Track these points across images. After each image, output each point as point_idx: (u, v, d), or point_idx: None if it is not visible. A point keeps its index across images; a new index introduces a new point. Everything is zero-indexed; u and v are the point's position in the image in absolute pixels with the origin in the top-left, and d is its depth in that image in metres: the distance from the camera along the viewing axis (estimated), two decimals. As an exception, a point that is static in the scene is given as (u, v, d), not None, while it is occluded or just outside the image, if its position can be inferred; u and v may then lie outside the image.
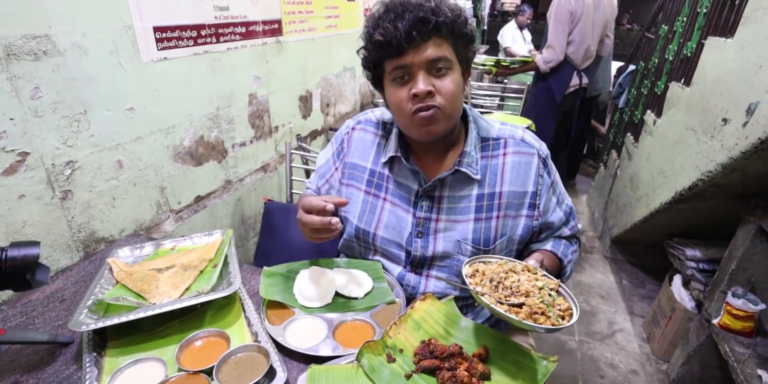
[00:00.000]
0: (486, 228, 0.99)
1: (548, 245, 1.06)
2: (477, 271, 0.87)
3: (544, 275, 0.84)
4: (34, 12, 1.03)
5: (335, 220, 0.90)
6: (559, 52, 2.98)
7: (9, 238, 1.07)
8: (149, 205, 1.45)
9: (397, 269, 1.08)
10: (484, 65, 3.28)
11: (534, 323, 0.74)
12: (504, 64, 3.26)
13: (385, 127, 1.09)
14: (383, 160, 1.05)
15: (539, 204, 1.01)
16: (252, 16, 1.73)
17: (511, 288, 0.80)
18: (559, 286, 0.82)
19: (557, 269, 1.04)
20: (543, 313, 0.75)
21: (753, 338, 1.52)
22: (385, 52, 0.89)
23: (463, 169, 0.97)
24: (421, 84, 0.87)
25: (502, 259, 0.90)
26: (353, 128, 1.13)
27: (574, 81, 3.15)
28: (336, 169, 1.13)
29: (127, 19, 1.24)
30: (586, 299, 2.51)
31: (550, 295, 0.79)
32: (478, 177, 0.98)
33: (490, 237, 1.00)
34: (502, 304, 0.79)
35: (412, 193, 1.03)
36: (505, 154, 1.00)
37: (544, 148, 1.03)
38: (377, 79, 0.98)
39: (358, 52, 0.99)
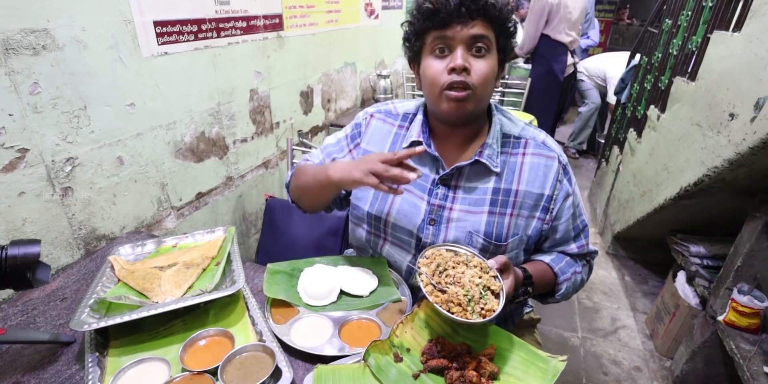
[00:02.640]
0: (499, 223, 0.98)
1: (548, 258, 1.04)
2: (434, 254, 0.89)
3: (495, 277, 0.84)
4: (32, 6, 1.01)
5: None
6: (531, 39, 3.60)
7: (9, 236, 1.06)
8: (150, 201, 1.44)
9: (407, 257, 1.06)
10: None
11: (444, 310, 0.77)
12: None
13: (406, 118, 1.08)
14: (404, 145, 1.04)
15: (553, 209, 0.99)
16: (253, 11, 1.71)
17: (453, 277, 0.82)
18: (501, 290, 0.81)
19: (550, 284, 1.01)
20: (460, 305, 0.77)
21: (759, 335, 1.51)
22: (431, 22, 0.89)
23: (484, 160, 0.96)
24: (460, 58, 0.88)
25: (469, 252, 0.90)
26: (372, 116, 1.11)
27: (570, 60, 3.79)
28: (349, 151, 1.11)
29: (126, 13, 1.23)
30: (589, 296, 2.50)
31: (481, 293, 0.79)
32: (497, 170, 0.97)
33: (503, 233, 0.98)
34: (434, 286, 0.81)
35: (428, 180, 1.02)
36: (524, 154, 0.99)
37: (563, 155, 1.02)
38: (416, 53, 0.98)
39: (402, 24, 0.99)
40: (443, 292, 0.80)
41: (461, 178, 1.00)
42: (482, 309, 0.78)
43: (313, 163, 1.15)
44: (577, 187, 1.04)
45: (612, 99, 3.84)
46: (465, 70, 0.88)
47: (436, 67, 0.91)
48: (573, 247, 1.05)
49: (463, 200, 0.99)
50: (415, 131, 1.02)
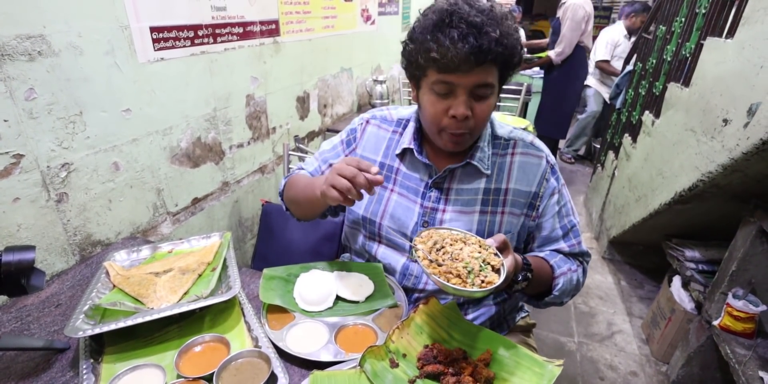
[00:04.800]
0: (491, 221, 1.00)
1: (542, 254, 1.04)
2: (430, 233, 0.87)
3: (495, 254, 0.81)
4: (28, 12, 1.02)
5: (375, 169, 0.84)
6: (570, 46, 3.63)
7: (3, 242, 1.05)
8: (146, 207, 1.44)
9: (401, 260, 1.07)
10: None
11: (445, 281, 0.74)
12: (523, 60, 3.88)
13: (399, 123, 1.10)
14: (397, 152, 1.05)
15: (539, 206, 1.01)
16: (249, 17, 1.71)
17: (451, 254, 0.80)
18: (502, 265, 0.79)
19: (547, 278, 0.99)
20: (459, 276, 0.75)
21: (754, 340, 1.52)
22: (435, 66, 0.85)
23: (474, 162, 0.99)
24: (462, 107, 0.86)
25: (467, 233, 0.87)
26: (368, 122, 1.12)
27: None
28: (345, 156, 1.12)
29: (123, 19, 1.23)
30: (585, 300, 2.50)
31: (481, 266, 0.77)
32: (488, 171, 1.00)
33: (494, 231, 1.00)
34: (431, 261, 0.79)
35: (421, 184, 1.04)
36: (513, 154, 1.02)
37: (551, 156, 1.05)
38: (415, 78, 0.95)
39: (402, 42, 0.94)
40: (441, 266, 0.78)
41: (453, 180, 1.02)
42: (482, 282, 0.75)
43: (307, 171, 1.16)
44: (565, 189, 1.05)
45: (596, 56, 4.09)
46: (466, 117, 0.88)
47: (436, 107, 0.89)
48: (564, 246, 1.04)
49: (455, 202, 1.01)
50: (407, 138, 1.04)
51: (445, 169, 1.00)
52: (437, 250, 0.82)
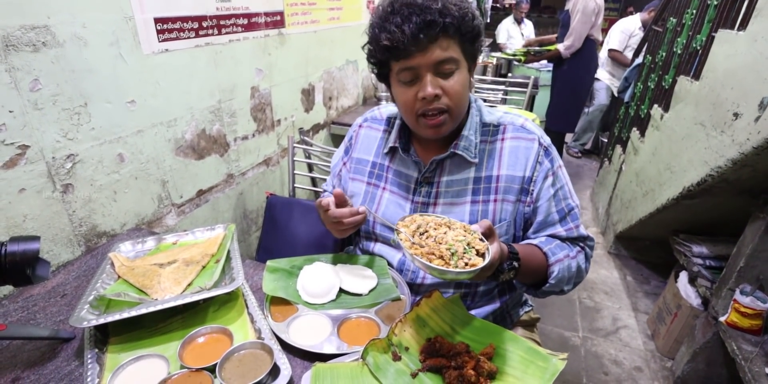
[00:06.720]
0: (483, 211, 0.98)
1: (535, 241, 0.99)
2: (414, 218, 0.86)
3: (481, 239, 0.79)
4: (32, 2, 1.01)
5: (361, 208, 0.98)
6: (579, 39, 3.59)
7: (9, 232, 1.06)
8: (151, 199, 1.44)
9: (397, 255, 1.08)
10: (515, 55, 4.36)
11: (427, 261, 0.73)
12: (531, 53, 4.22)
13: (388, 122, 1.12)
14: (384, 151, 1.07)
15: (533, 190, 0.98)
16: (254, 8, 1.70)
17: (435, 237, 0.79)
18: (487, 249, 0.77)
19: (540, 265, 0.94)
20: (442, 258, 0.75)
21: (761, 336, 1.51)
22: (392, 55, 0.88)
23: (459, 152, 0.97)
24: (429, 87, 0.87)
25: (452, 219, 0.85)
26: (360, 126, 1.17)
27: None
28: (344, 163, 1.17)
29: (127, 9, 1.22)
30: (590, 295, 2.49)
31: (465, 248, 0.76)
32: (475, 160, 0.98)
33: (488, 219, 0.94)
34: (414, 244, 0.78)
35: (412, 180, 1.04)
36: (503, 139, 1.00)
37: (546, 137, 1.01)
38: (383, 76, 0.98)
39: (363, 47, 0.97)
40: (424, 247, 0.77)
41: (443, 173, 1.01)
42: (466, 264, 0.74)
43: (328, 192, 1.22)
44: (562, 170, 1.01)
45: (609, 45, 4.07)
46: (436, 96, 0.87)
47: (407, 95, 0.90)
48: (560, 230, 0.99)
49: (446, 194, 1.01)
50: (393, 137, 1.05)
51: (431, 161, 0.99)
52: (420, 234, 0.81)
